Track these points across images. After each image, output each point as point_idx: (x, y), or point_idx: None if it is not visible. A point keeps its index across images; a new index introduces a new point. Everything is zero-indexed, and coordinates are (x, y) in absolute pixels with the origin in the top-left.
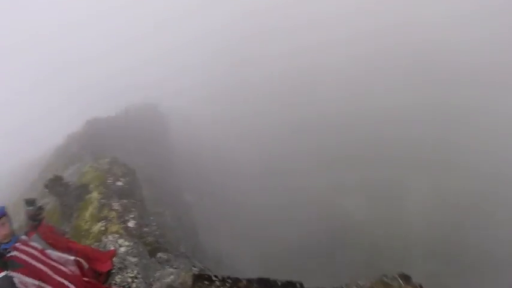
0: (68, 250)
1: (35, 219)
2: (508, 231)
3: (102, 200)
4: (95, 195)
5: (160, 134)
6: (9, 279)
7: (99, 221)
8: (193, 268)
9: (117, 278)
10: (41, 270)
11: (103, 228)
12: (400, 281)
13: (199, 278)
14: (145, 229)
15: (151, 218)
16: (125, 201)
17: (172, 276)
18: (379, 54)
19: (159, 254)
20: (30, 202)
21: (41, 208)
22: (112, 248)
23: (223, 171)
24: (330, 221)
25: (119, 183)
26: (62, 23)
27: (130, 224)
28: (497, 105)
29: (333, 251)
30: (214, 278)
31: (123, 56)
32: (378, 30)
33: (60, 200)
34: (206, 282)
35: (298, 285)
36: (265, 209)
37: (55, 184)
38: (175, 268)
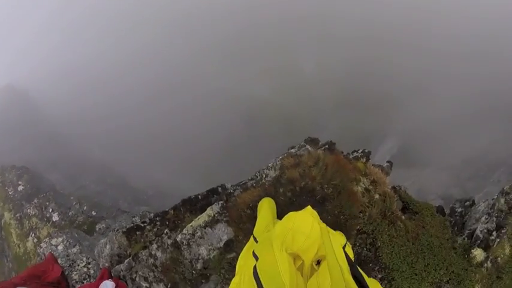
0: (14, 286)
1: None
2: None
3: (16, 215)
4: (7, 215)
5: (28, 112)
6: None
7: (27, 236)
8: (133, 219)
9: (75, 275)
10: None
11: (35, 240)
12: (308, 147)
13: (130, 232)
14: (70, 213)
15: (71, 198)
16: (35, 200)
17: (108, 246)
18: None
19: (98, 226)
20: None
21: None
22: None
23: (114, 108)
24: (244, 109)
25: (20, 188)
26: None
27: (55, 217)
28: None
29: (256, 136)
30: (143, 225)
31: None
32: None
33: None
34: (138, 232)
35: (219, 188)
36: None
37: None
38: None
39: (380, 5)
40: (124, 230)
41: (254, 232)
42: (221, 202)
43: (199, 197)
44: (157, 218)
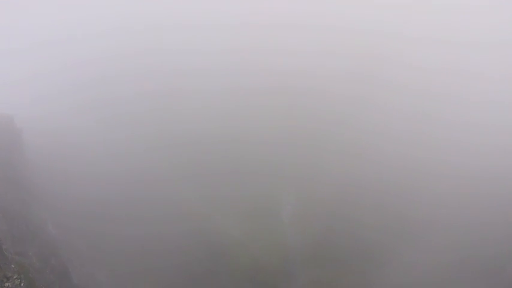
0: None
1: None
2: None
3: None
4: None
5: (12, 152)
6: None
7: None
8: None
9: None
10: None
11: None
12: None
13: None
14: (7, 284)
15: (13, 266)
16: None
17: None
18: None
19: None
20: None
21: None
22: None
23: (86, 188)
24: (207, 236)
25: None
26: None
27: None
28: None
29: (215, 268)
30: None
31: None
32: None
33: None
34: None
35: None
36: (133, 224)
37: None
38: None
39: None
40: None
41: None
42: None
43: None
44: None
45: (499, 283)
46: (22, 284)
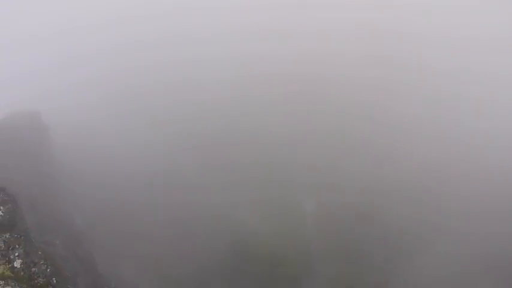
0: None
1: None
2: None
3: None
4: None
5: (41, 146)
6: None
7: None
8: None
9: None
10: None
11: None
12: None
13: None
14: (33, 269)
15: (40, 253)
16: (7, 235)
17: None
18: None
19: None
20: None
21: None
22: None
23: (113, 187)
24: (229, 235)
25: None
26: None
27: (17, 263)
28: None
29: (237, 264)
30: None
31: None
32: None
33: None
34: None
35: None
36: (164, 225)
37: None
38: None
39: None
40: None
41: None
42: None
43: None
44: None
45: None
46: (48, 270)
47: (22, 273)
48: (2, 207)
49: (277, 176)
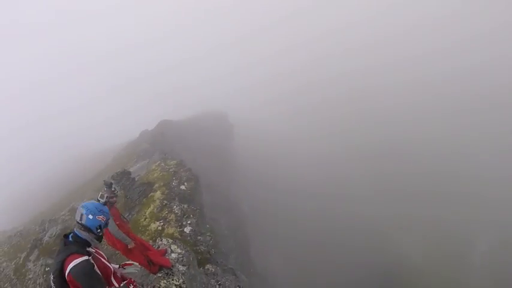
0: (127, 235)
1: (109, 200)
2: None
3: (164, 201)
4: (158, 194)
5: (226, 140)
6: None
7: (157, 220)
8: (237, 287)
9: (162, 283)
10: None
11: (160, 228)
12: None
13: None
14: (199, 237)
15: (207, 226)
16: (185, 206)
17: None
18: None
19: (208, 266)
20: (108, 184)
21: (114, 192)
22: (163, 248)
23: (281, 186)
24: (383, 254)
25: (182, 187)
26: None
27: (187, 229)
28: None
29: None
30: None
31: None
32: None
33: (124, 193)
34: None
35: None
36: (318, 231)
37: (122, 177)
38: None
39: None
40: None
41: None
42: None
43: None
44: None
45: None
46: (211, 241)
47: (189, 238)
48: (186, 184)
49: (454, 196)
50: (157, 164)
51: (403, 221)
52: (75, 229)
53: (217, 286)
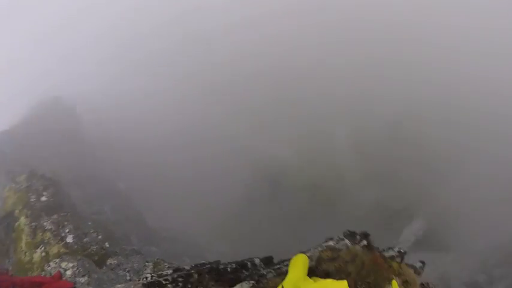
0: (13, 286)
1: None
2: None
3: (32, 224)
4: (22, 220)
5: (72, 127)
6: None
7: (36, 247)
8: (146, 263)
9: None
10: None
11: (44, 254)
12: (347, 241)
13: (150, 286)
14: (85, 239)
15: (89, 223)
16: (55, 216)
17: None
18: None
19: (109, 261)
20: None
21: None
22: (56, 272)
23: (145, 151)
24: (267, 169)
25: (43, 199)
26: None
27: (69, 239)
28: None
29: (277, 198)
30: (164, 282)
31: None
32: None
33: None
34: None
35: (249, 264)
36: (203, 174)
37: None
38: (127, 277)
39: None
40: (144, 282)
41: (284, 284)
42: (252, 282)
43: (228, 269)
44: (180, 279)
45: None
46: (100, 237)
47: (75, 246)
48: (45, 193)
49: (307, 109)
50: (7, 188)
51: (279, 140)
52: None
53: (127, 274)
